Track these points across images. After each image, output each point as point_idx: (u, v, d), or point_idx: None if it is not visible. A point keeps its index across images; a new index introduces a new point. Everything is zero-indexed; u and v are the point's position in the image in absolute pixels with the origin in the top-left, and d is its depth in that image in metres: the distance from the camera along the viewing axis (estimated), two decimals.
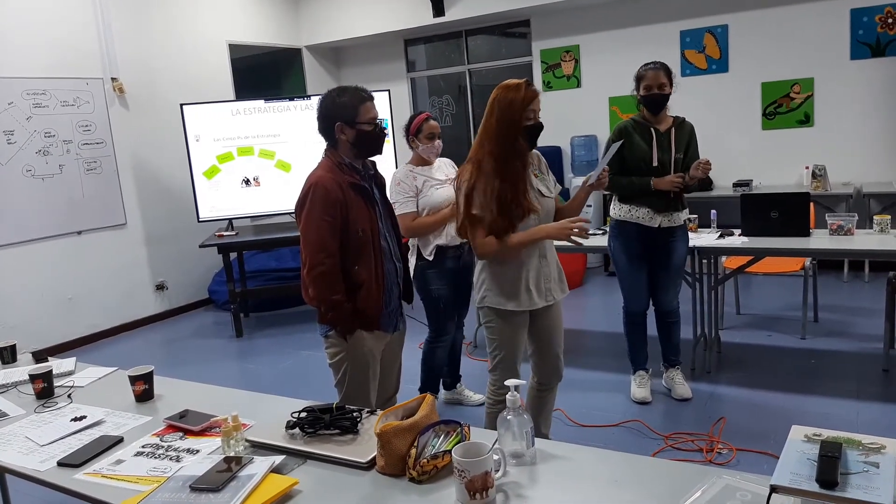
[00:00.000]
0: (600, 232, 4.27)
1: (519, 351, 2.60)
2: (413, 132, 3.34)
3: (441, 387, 3.78)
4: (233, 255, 5.75)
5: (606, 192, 3.85)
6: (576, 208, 2.64)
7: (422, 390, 3.57)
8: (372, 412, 1.85)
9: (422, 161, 3.37)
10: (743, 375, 3.83)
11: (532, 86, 2.42)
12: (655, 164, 3.33)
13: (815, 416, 3.27)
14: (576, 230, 2.34)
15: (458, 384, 3.84)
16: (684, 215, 3.50)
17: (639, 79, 3.32)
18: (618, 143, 2.61)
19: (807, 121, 5.94)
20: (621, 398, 3.66)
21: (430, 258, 3.32)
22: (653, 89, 3.25)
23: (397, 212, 2.90)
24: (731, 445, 3.05)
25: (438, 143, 3.34)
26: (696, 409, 3.47)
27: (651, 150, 3.33)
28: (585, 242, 2.47)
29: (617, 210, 3.49)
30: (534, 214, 2.45)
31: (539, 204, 2.48)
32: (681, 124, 3.41)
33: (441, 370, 3.65)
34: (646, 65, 3.32)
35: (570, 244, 2.45)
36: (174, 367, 4.74)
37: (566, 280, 2.70)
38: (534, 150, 2.55)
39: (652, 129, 3.34)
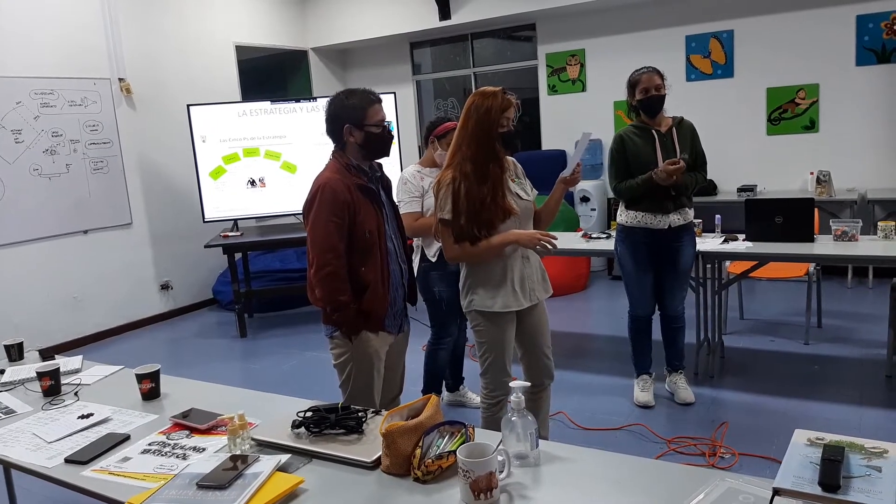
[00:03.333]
0: (604, 236, 4.28)
1: (508, 352, 2.61)
2: (438, 134, 3.34)
3: (444, 389, 3.79)
4: (237, 256, 5.77)
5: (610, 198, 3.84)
6: (553, 206, 2.67)
7: (424, 392, 3.58)
8: (377, 412, 1.86)
9: (432, 163, 3.39)
10: (746, 380, 3.84)
11: (508, 94, 2.45)
12: (661, 165, 3.34)
13: (817, 422, 3.27)
14: (544, 241, 2.40)
15: (461, 386, 3.85)
16: (692, 213, 3.51)
17: (633, 84, 3.34)
18: (588, 134, 2.61)
19: (812, 126, 5.94)
20: (624, 402, 3.67)
21: (434, 260, 3.33)
22: (650, 91, 3.27)
23: (401, 211, 2.91)
24: (733, 450, 3.06)
25: None
26: (698, 414, 3.47)
27: (655, 152, 3.34)
28: (589, 247, 2.47)
29: (624, 216, 3.50)
30: (513, 216, 2.48)
31: (517, 206, 2.51)
32: (680, 123, 3.42)
33: (443, 372, 3.66)
34: (637, 70, 3.35)
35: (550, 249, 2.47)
36: (178, 367, 4.75)
37: (550, 281, 2.73)
38: (509, 157, 2.58)
39: (653, 132, 3.36)
